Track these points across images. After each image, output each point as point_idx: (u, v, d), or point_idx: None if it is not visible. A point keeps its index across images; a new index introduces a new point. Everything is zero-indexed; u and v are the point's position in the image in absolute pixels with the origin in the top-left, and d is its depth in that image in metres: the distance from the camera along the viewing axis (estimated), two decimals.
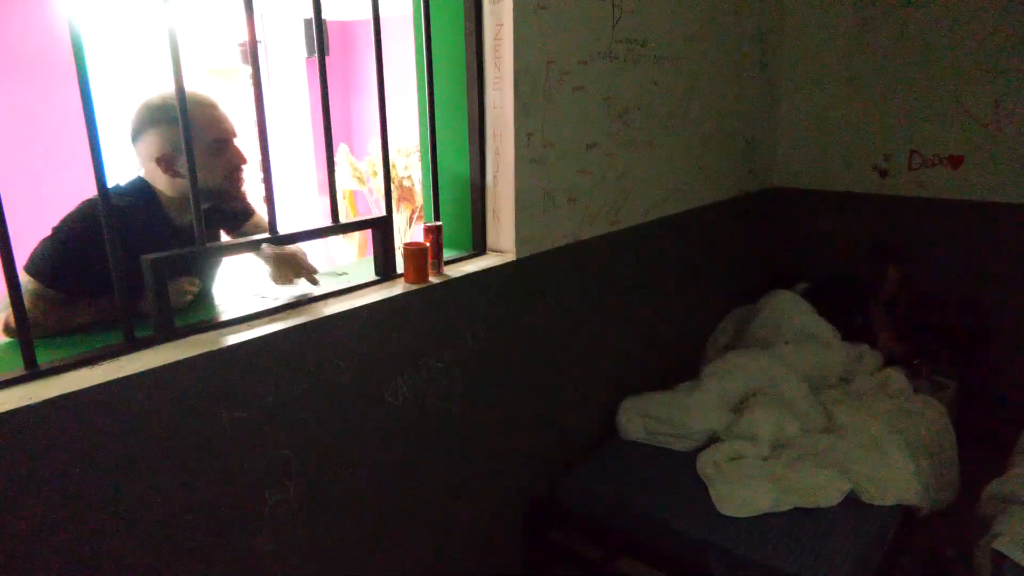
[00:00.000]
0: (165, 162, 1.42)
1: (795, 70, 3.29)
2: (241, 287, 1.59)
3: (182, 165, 1.42)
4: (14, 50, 4.56)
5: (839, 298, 3.05)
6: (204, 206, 1.51)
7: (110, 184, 1.43)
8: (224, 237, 1.65)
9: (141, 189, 1.46)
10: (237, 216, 1.65)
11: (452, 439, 1.81)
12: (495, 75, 1.80)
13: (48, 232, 1.36)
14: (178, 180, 1.44)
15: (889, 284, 2.94)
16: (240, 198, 1.58)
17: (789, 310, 2.81)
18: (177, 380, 1.19)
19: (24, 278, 1.29)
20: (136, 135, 1.43)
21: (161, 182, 1.45)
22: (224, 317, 1.39)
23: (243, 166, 1.52)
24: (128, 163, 1.48)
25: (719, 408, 2.34)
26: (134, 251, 1.26)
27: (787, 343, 2.69)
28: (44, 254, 1.33)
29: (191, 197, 1.30)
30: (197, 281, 1.55)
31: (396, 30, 3.43)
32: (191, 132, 1.29)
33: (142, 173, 1.47)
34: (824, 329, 2.74)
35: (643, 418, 2.33)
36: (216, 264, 1.59)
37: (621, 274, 2.39)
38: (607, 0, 2.04)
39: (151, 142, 1.41)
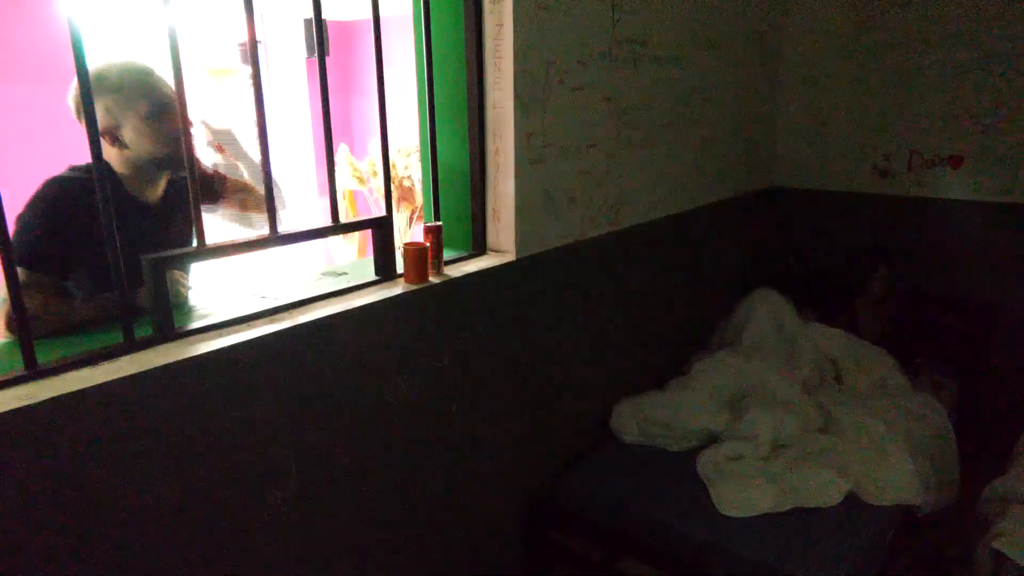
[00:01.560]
0: (110, 135, 1.40)
1: (795, 70, 3.29)
2: (241, 287, 1.59)
3: (126, 136, 1.42)
4: (14, 50, 4.56)
5: (824, 294, 3.07)
6: (169, 176, 1.50)
7: (68, 165, 1.42)
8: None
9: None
10: (208, 185, 1.63)
11: (452, 439, 1.81)
12: (495, 75, 1.80)
13: (13, 223, 1.35)
14: (126, 152, 1.43)
15: (880, 284, 2.95)
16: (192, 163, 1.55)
17: (762, 313, 2.79)
18: (177, 380, 1.19)
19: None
20: (77, 112, 1.40)
21: (112, 158, 1.44)
22: (224, 317, 1.39)
23: (190, 130, 1.49)
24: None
25: (712, 406, 2.34)
26: (97, 228, 1.24)
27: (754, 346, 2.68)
28: (21, 240, 1.34)
29: (190, 194, 1.29)
30: (187, 276, 1.55)
31: (396, 30, 3.43)
32: (127, 102, 1.30)
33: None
34: (793, 330, 2.73)
35: (637, 420, 2.32)
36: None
37: (621, 274, 2.39)
38: (607, 0, 2.04)
39: (100, 114, 1.40)
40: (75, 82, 1.39)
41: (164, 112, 1.44)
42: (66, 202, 1.32)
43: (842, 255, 3.24)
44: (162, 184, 1.52)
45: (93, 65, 1.37)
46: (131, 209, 1.46)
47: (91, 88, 1.13)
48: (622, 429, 2.33)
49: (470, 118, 1.85)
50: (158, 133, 1.44)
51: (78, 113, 1.42)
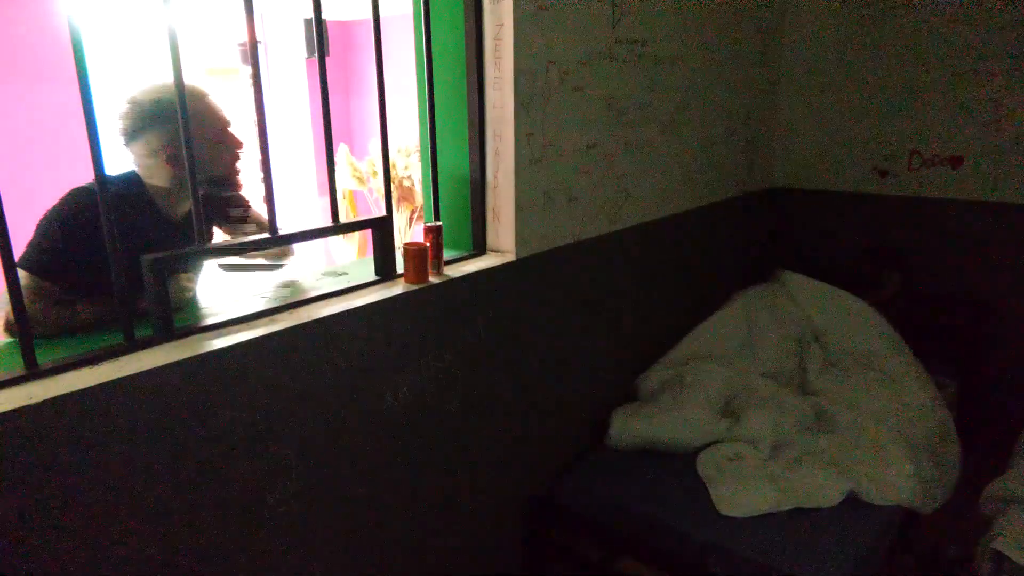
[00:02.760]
0: (174, 158, 1.42)
1: (795, 70, 3.29)
2: (241, 287, 1.59)
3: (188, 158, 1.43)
4: (14, 50, 4.56)
5: None
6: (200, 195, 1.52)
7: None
8: (218, 236, 1.65)
9: (130, 181, 1.46)
10: (231, 210, 1.65)
11: (452, 439, 1.81)
12: (495, 75, 1.80)
13: (35, 226, 1.36)
14: (180, 172, 1.44)
15: (891, 289, 2.94)
16: (238, 183, 1.59)
17: (732, 320, 2.76)
18: (177, 380, 1.19)
19: (19, 274, 1.30)
20: (133, 135, 1.42)
21: (158, 176, 1.45)
22: (224, 317, 1.39)
23: (241, 151, 1.54)
24: (126, 161, 1.48)
25: (709, 416, 2.27)
26: (124, 242, 1.25)
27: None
28: (35, 245, 1.34)
29: (191, 195, 1.30)
30: (195, 278, 1.55)
31: (396, 30, 3.43)
32: (192, 126, 1.30)
33: (136, 168, 1.47)
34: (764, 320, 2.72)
35: (634, 437, 2.26)
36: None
37: (621, 274, 2.39)
38: (607, 0, 2.04)
39: (153, 140, 1.41)
40: (126, 106, 1.42)
41: (222, 135, 1.50)
42: (86, 214, 1.32)
43: (844, 255, 3.24)
44: (190, 202, 1.54)
45: (148, 89, 1.39)
46: (157, 223, 1.48)
47: (90, 90, 1.13)
48: (619, 444, 2.29)
49: (470, 118, 1.85)
50: (216, 155, 1.50)
51: (128, 138, 1.44)
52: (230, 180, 1.55)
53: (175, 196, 1.49)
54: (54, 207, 1.36)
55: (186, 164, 1.29)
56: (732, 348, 2.65)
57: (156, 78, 1.41)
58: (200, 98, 1.46)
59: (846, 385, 2.52)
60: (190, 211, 1.54)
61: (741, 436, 2.22)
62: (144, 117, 1.40)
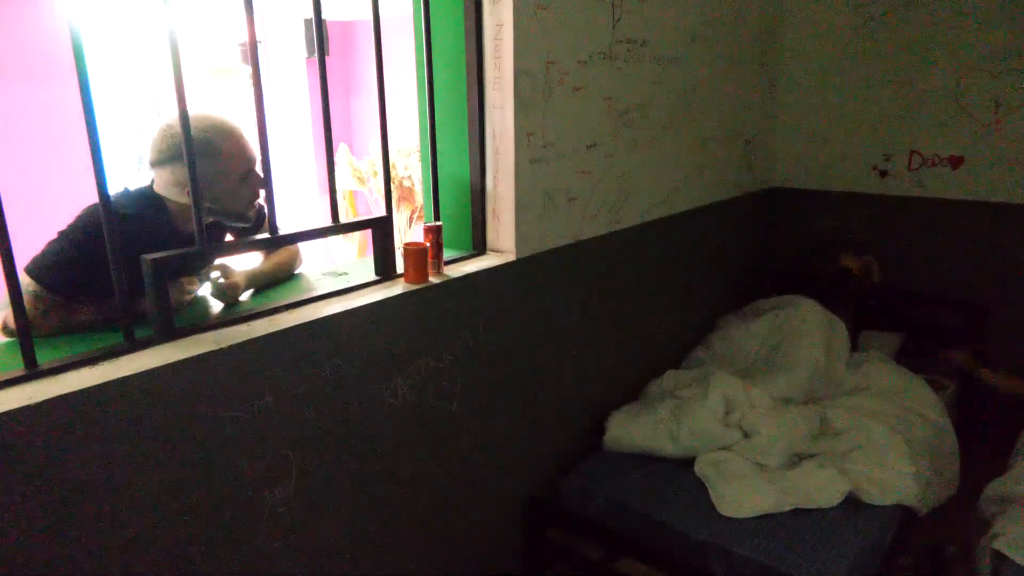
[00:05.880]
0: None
1: (795, 70, 3.29)
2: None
3: (211, 196, 1.45)
4: (14, 50, 4.56)
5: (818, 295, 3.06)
6: (210, 220, 1.53)
7: (119, 188, 1.44)
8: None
9: (149, 197, 1.46)
10: (246, 231, 1.66)
11: (452, 439, 1.81)
12: (495, 75, 1.80)
13: (54, 235, 1.35)
14: (210, 206, 1.48)
15: (856, 277, 2.94)
16: (251, 220, 1.61)
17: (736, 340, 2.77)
18: (177, 380, 1.20)
19: (25, 279, 1.29)
20: (163, 162, 1.43)
21: (180, 196, 1.46)
22: (224, 317, 1.39)
23: (262, 191, 1.55)
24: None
25: (718, 429, 2.21)
26: (138, 256, 1.26)
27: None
28: (48, 258, 1.33)
29: (191, 200, 1.30)
30: (197, 281, 1.55)
31: (396, 30, 3.43)
32: (222, 162, 1.36)
33: (155, 186, 1.48)
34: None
35: (629, 447, 2.24)
36: (209, 266, 1.59)
37: (621, 274, 2.39)
38: (607, 0, 2.04)
39: (179, 172, 1.41)
40: (159, 133, 1.42)
41: (248, 175, 1.51)
42: (101, 234, 1.32)
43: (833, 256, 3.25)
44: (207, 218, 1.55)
45: (194, 126, 1.36)
46: (173, 239, 1.48)
47: (90, 90, 1.13)
48: (618, 449, 2.27)
49: (470, 118, 1.85)
50: (240, 194, 1.51)
51: (156, 163, 1.44)
52: (245, 217, 1.56)
53: (189, 214, 1.49)
54: (75, 225, 1.36)
55: (190, 176, 1.28)
56: (746, 364, 2.64)
57: (193, 109, 1.43)
58: (237, 136, 1.48)
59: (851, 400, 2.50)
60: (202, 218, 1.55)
61: (754, 450, 2.16)
62: (175, 147, 1.39)
